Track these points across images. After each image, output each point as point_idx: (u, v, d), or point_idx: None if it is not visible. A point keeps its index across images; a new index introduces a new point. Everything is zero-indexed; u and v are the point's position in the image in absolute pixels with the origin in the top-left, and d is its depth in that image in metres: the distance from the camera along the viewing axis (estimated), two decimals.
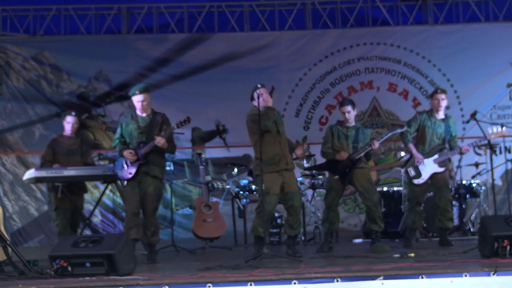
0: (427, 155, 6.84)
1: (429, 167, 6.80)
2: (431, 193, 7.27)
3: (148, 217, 6.20)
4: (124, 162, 6.20)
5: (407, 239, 6.89)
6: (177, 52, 9.97)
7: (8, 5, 9.91)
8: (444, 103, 6.90)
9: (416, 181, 6.83)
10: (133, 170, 6.13)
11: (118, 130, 6.34)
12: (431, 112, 6.94)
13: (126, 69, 9.87)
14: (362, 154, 6.51)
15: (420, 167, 6.80)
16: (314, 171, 7.90)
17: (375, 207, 6.49)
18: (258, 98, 5.83)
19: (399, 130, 6.84)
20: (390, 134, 6.74)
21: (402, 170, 7.50)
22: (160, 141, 6.03)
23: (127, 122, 6.27)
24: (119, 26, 10.15)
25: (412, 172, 6.85)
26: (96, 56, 9.87)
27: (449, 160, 7.14)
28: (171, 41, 10.03)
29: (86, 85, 9.92)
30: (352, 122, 6.69)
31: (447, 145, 6.87)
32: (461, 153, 6.85)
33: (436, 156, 6.82)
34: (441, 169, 6.80)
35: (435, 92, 7.00)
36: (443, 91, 7.01)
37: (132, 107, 6.43)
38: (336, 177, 6.54)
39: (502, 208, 9.10)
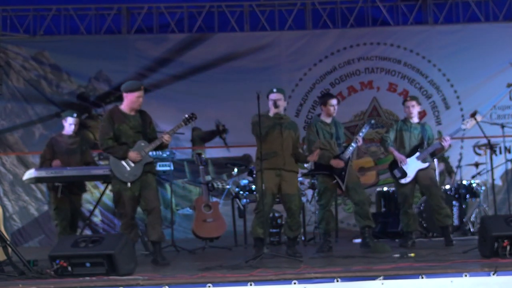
0: (409, 154, 6.92)
1: (413, 165, 6.88)
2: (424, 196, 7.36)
3: (158, 212, 5.95)
4: (125, 164, 5.88)
5: (404, 240, 6.92)
6: (177, 52, 9.98)
7: (8, 5, 9.92)
8: (415, 110, 7.04)
9: (403, 181, 6.89)
10: (139, 172, 5.87)
11: (108, 129, 5.89)
12: (406, 119, 7.08)
13: (126, 69, 9.86)
14: (350, 153, 6.56)
15: (405, 167, 6.88)
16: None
17: (364, 203, 6.53)
18: (258, 99, 5.90)
19: (373, 121, 6.89)
20: (368, 127, 6.76)
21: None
22: (168, 138, 5.95)
23: (119, 121, 5.92)
24: (119, 26, 10.16)
25: (397, 174, 6.92)
26: (96, 56, 9.87)
27: (443, 160, 7.17)
28: (171, 41, 10.03)
29: (86, 85, 9.92)
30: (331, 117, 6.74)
31: (426, 144, 6.95)
32: (442, 144, 6.90)
33: (417, 154, 6.89)
34: (425, 165, 6.87)
35: (405, 100, 7.15)
36: (413, 98, 7.14)
37: (126, 106, 6.17)
38: (334, 181, 6.56)
39: (502, 208, 9.11)
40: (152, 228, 5.90)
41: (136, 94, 5.91)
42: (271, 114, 6.13)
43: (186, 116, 6.06)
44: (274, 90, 6.14)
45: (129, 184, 5.83)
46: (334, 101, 6.69)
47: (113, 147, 5.88)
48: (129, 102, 5.95)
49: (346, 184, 6.54)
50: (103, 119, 6.15)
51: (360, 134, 6.64)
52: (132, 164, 5.86)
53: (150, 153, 6.08)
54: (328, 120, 6.70)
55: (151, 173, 6.02)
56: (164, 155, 7.56)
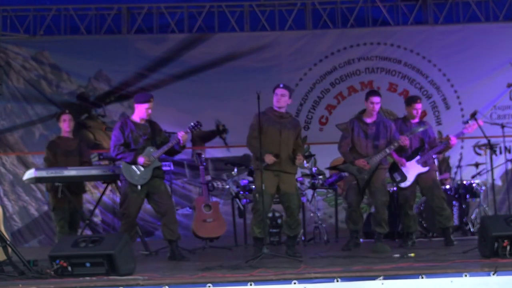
0: (409, 157, 6.87)
1: (413, 168, 6.84)
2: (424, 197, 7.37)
3: (173, 213, 6.33)
4: (135, 168, 6.18)
5: (404, 240, 6.92)
6: (177, 52, 9.97)
7: (8, 5, 9.90)
8: (420, 111, 7.06)
9: (403, 185, 6.86)
10: (148, 175, 6.18)
11: (120, 137, 6.23)
12: (406, 119, 7.01)
13: (126, 69, 9.87)
14: (380, 158, 6.48)
15: (405, 170, 6.84)
16: (314, 171, 7.92)
17: (382, 208, 6.51)
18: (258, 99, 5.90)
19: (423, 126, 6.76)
20: (421, 128, 6.72)
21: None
22: (184, 136, 6.16)
23: (131, 129, 6.26)
24: (119, 26, 10.15)
25: (397, 177, 6.88)
26: (96, 56, 9.86)
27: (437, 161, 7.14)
28: (171, 41, 10.02)
29: (86, 85, 9.91)
30: (374, 116, 6.65)
31: (427, 146, 6.91)
32: (449, 147, 6.89)
33: (418, 157, 6.86)
34: (425, 169, 6.85)
35: (415, 102, 6.99)
36: (421, 100, 7.12)
37: (133, 108, 6.43)
38: (354, 182, 6.56)
39: (502, 208, 9.11)
40: (166, 228, 6.23)
41: (145, 105, 6.27)
42: (275, 108, 6.13)
43: (192, 124, 6.34)
44: (281, 85, 6.15)
45: (139, 187, 6.14)
46: (374, 99, 6.58)
47: (124, 153, 6.20)
48: (138, 112, 6.32)
49: (369, 186, 6.51)
50: (114, 128, 6.43)
51: (408, 133, 6.56)
52: (142, 168, 6.17)
53: None
54: (369, 120, 6.63)
55: (159, 178, 6.29)
56: None
